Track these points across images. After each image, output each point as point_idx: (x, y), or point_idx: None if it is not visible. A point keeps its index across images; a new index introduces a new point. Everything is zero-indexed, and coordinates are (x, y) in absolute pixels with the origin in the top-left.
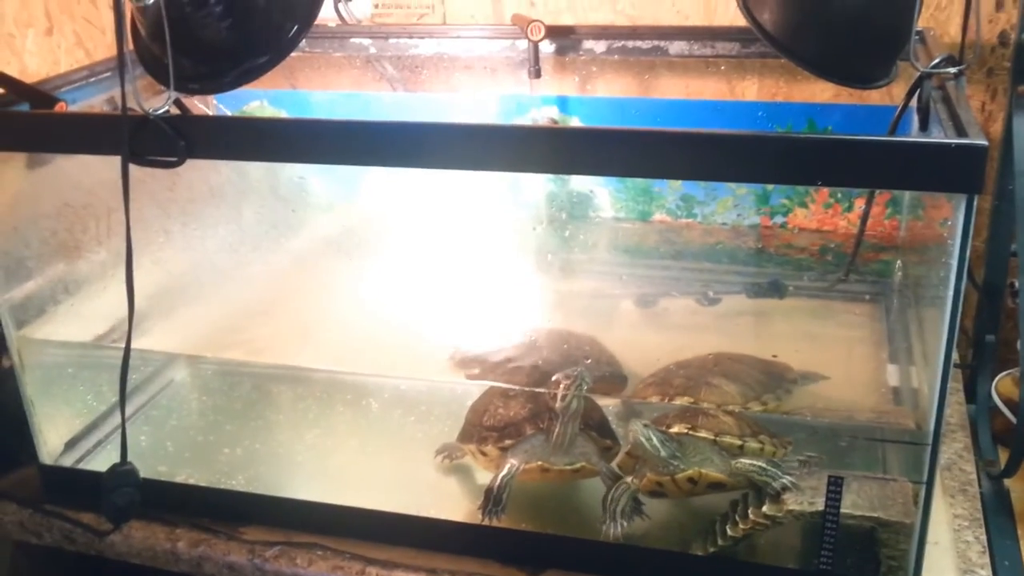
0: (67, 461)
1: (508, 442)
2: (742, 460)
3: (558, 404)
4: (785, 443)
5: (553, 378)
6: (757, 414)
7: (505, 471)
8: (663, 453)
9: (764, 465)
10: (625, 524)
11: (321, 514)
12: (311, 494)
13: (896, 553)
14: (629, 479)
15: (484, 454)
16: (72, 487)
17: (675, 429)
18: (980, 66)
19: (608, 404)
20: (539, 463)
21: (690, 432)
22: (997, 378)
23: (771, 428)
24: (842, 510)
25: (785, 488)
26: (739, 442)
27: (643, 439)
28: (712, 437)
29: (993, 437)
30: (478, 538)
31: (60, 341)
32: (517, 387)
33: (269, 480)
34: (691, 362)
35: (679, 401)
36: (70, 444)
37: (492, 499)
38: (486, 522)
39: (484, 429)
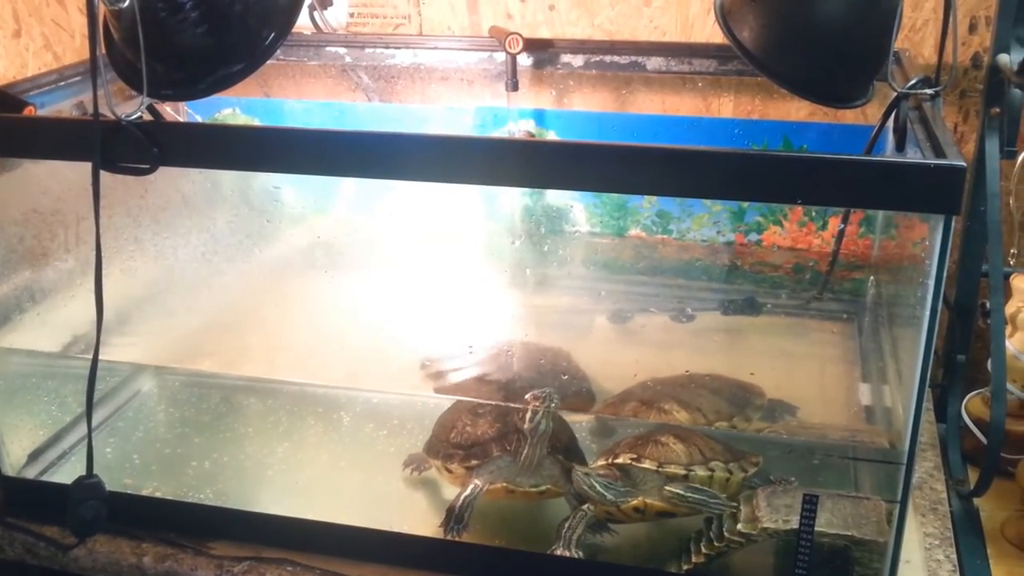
0: (30, 473)
1: (474, 462)
2: (678, 491)
3: (527, 425)
4: (751, 464)
5: (526, 397)
6: (729, 432)
7: (468, 491)
8: (609, 497)
9: (699, 496)
10: (580, 554)
11: (291, 529)
12: (281, 509)
13: (869, 571)
14: (585, 506)
15: (449, 471)
16: (35, 499)
17: (620, 460)
18: (954, 88)
19: (580, 420)
20: (504, 484)
21: (633, 463)
22: (967, 398)
23: (744, 446)
24: (816, 528)
25: (735, 515)
26: (683, 471)
27: (586, 488)
28: (655, 467)
29: (963, 456)
30: (450, 554)
31: (25, 350)
32: (486, 402)
33: (238, 494)
34: (654, 383)
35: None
36: (33, 456)
37: (453, 518)
38: (450, 538)
39: (451, 446)
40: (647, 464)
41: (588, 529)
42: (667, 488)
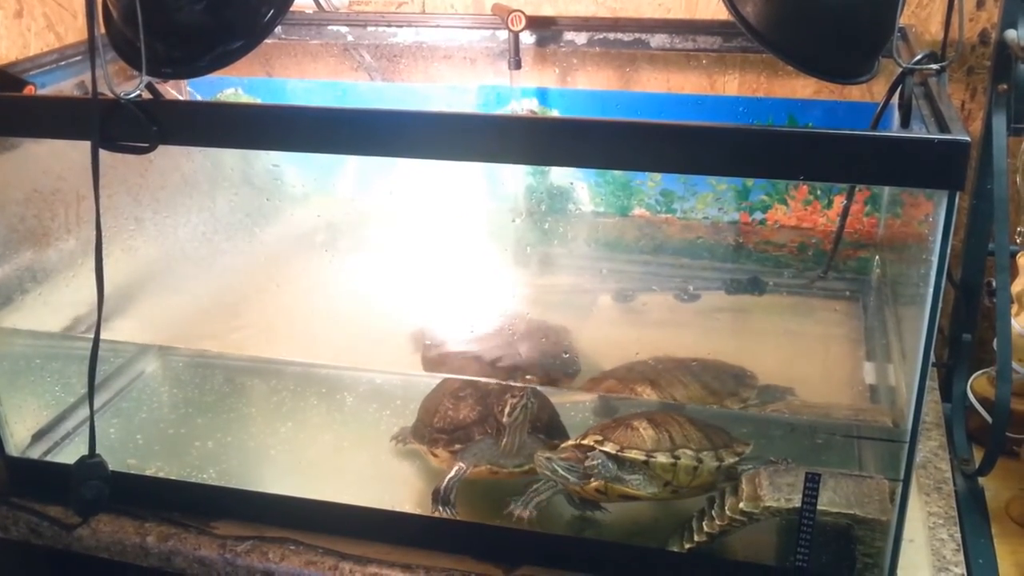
0: (34, 453)
1: (457, 446)
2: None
3: (505, 419)
4: (733, 453)
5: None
6: (731, 412)
7: (452, 474)
8: (572, 479)
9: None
10: (535, 513)
11: (294, 508)
12: (284, 488)
13: (872, 550)
14: None
15: (435, 455)
16: (39, 480)
17: (586, 441)
18: (960, 64)
19: (584, 399)
20: (488, 466)
21: (596, 445)
22: (973, 377)
23: (746, 427)
24: (819, 507)
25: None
26: (643, 457)
27: (548, 473)
28: (615, 451)
29: (968, 436)
30: (453, 533)
31: (28, 331)
32: (479, 379)
33: (241, 474)
34: (633, 365)
35: None
36: (38, 436)
37: (440, 500)
38: (447, 516)
39: (435, 431)
40: (609, 448)
41: (578, 505)
42: (537, 455)
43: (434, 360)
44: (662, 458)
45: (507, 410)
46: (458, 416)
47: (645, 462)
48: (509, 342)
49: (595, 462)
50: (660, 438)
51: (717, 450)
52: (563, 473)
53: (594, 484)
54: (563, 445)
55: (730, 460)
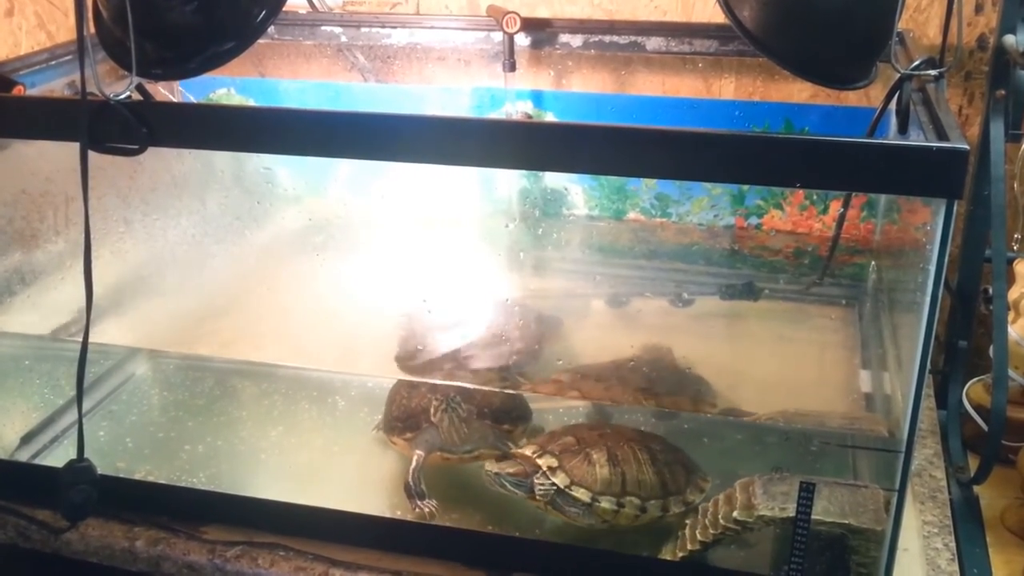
0: (23, 456)
1: (409, 434)
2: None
3: (434, 419)
4: (681, 503)
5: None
6: (725, 419)
7: (413, 464)
8: (520, 493)
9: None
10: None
11: (284, 514)
12: (274, 493)
13: (866, 560)
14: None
15: (394, 443)
16: (28, 483)
17: (541, 461)
18: (958, 69)
19: (577, 405)
20: (439, 453)
21: (549, 471)
22: (968, 384)
23: (739, 433)
24: (813, 516)
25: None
26: (588, 498)
27: (498, 487)
28: (564, 485)
29: (963, 443)
30: (444, 540)
31: (16, 333)
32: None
33: (231, 478)
34: (592, 368)
35: None
36: (26, 439)
37: (414, 492)
38: (422, 511)
39: (393, 419)
40: (559, 479)
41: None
42: (487, 468)
43: (404, 360)
44: (606, 504)
45: (431, 411)
46: (411, 405)
47: (588, 504)
48: (474, 344)
49: (545, 487)
50: (612, 480)
51: (667, 498)
52: (511, 488)
53: (536, 502)
54: (516, 452)
55: (676, 510)
